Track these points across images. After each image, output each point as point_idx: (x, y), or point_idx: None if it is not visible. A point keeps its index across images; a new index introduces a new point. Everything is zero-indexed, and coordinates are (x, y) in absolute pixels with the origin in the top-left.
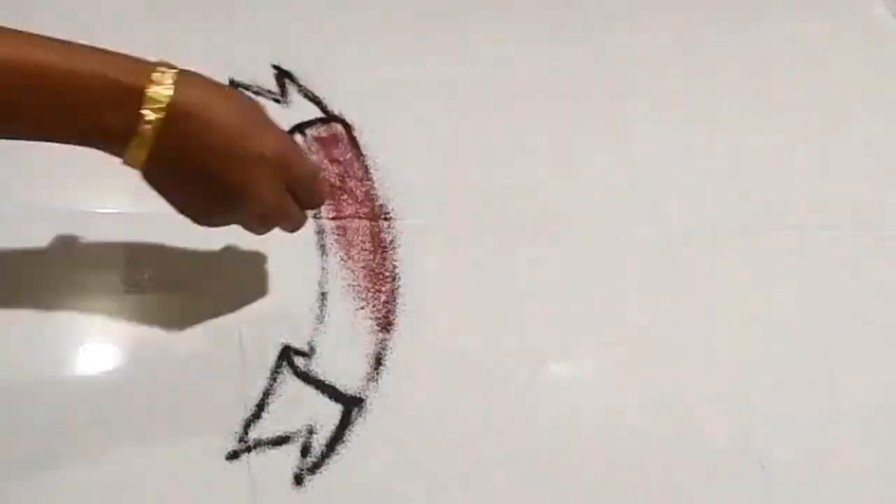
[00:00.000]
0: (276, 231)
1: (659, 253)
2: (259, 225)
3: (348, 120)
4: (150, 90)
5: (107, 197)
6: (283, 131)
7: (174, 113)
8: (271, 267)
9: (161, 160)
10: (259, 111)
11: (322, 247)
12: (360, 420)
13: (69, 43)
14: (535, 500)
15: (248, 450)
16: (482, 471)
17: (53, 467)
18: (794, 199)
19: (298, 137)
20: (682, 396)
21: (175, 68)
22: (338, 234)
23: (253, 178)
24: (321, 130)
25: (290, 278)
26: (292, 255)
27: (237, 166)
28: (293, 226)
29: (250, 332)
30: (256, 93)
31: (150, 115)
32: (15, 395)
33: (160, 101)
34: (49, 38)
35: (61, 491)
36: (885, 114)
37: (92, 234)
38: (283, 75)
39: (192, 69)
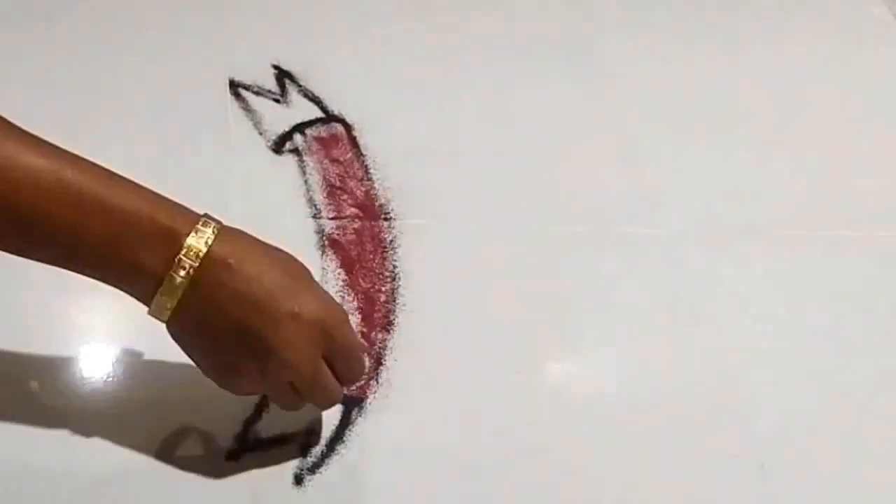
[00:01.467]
0: (276, 231)
1: (659, 253)
2: (290, 395)
3: (348, 120)
4: (189, 239)
5: None
6: (330, 298)
7: (209, 262)
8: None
9: (189, 311)
10: (305, 273)
11: (322, 247)
12: (360, 420)
13: (115, 175)
14: (535, 500)
15: (248, 450)
16: (482, 471)
17: (53, 467)
18: (793, 199)
19: (298, 137)
20: (682, 396)
21: (219, 222)
22: (338, 234)
23: (286, 339)
24: (321, 130)
25: None
26: None
27: (270, 324)
28: (327, 401)
29: None
30: (256, 93)
31: (185, 261)
32: (14, 394)
33: (197, 250)
34: (96, 165)
35: (61, 491)
36: (886, 114)
37: None
38: (283, 75)
39: (192, 69)
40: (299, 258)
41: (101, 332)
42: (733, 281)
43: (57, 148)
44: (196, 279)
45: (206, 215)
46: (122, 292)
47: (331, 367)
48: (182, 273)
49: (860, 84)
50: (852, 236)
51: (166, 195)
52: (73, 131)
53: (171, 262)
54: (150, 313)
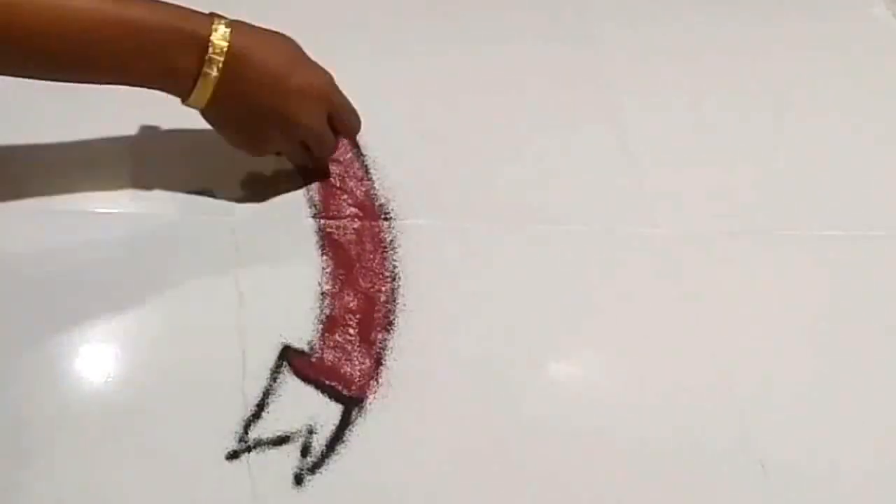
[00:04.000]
0: (276, 231)
1: (660, 253)
2: (302, 151)
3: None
4: (213, 37)
5: (107, 197)
6: (323, 69)
7: (231, 55)
8: (271, 267)
9: (221, 99)
10: (299, 49)
11: (322, 247)
12: (360, 420)
13: None
14: (535, 500)
15: (248, 450)
16: (482, 471)
17: (53, 467)
18: (793, 199)
19: None
20: (682, 396)
21: (226, 18)
22: (337, 234)
23: (298, 107)
24: None
25: (290, 278)
26: (292, 255)
27: (286, 99)
28: (329, 150)
29: (250, 332)
30: None
31: (215, 58)
32: (14, 394)
33: (221, 46)
34: None
35: (61, 491)
36: (886, 114)
37: (92, 234)
38: None
39: None
40: (299, 258)
41: (101, 332)
42: (733, 280)
43: None
44: (223, 73)
45: (214, 14)
46: (121, 291)
47: (331, 123)
48: (214, 68)
49: (860, 84)
50: (853, 236)
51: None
52: (72, 131)
53: (203, 60)
54: (187, 104)
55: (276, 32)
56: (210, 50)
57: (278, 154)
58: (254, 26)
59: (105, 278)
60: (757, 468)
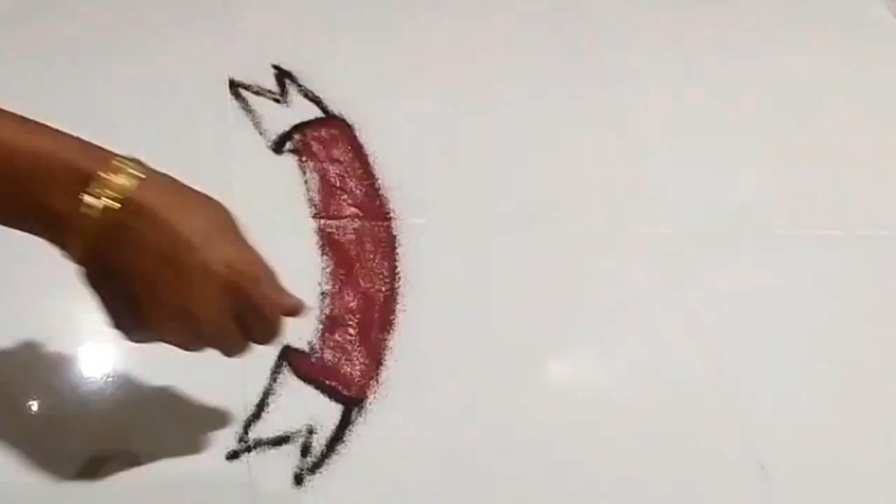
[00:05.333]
0: (277, 231)
1: (661, 252)
2: (191, 342)
3: (348, 120)
4: (105, 176)
5: None
6: (252, 251)
7: (126, 206)
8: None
9: (99, 255)
10: (229, 223)
11: (322, 247)
12: (360, 420)
13: (26, 119)
14: (535, 500)
15: (248, 450)
16: (482, 471)
17: (53, 467)
18: (794, 199)
19: (298, 137)
20: (682, 396)
21: (147, 167)
22: (338, 234)
23: (193, 291)
24: (321, 130)
25: (290, 278)
26: (292, 255)
27: (180, 275)
28: (229, 353)
29: None
30: (257, 93)
31: (92, 200)
32: (14, 395)
33: (113, 190)
34: (9, 113)
35: (61, 491)
36: (886, 114)
37: None
38: (283, 75)
39: (193, 70)
40: (299, 258)
41: (101, 332)
42: (733, 280)
43: None
44: (107, 222)
45: (124, 157)
46: None
47: (242, 320)
48: (87, 214)
49: (859, 84)
50: (853, 236)
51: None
52: (72, 131)
53: (80, 204)
54: (63, 255)
55: (208, 197)
56: (91, 189)
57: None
58: (178, 183)
59: None
60: (757, 468)
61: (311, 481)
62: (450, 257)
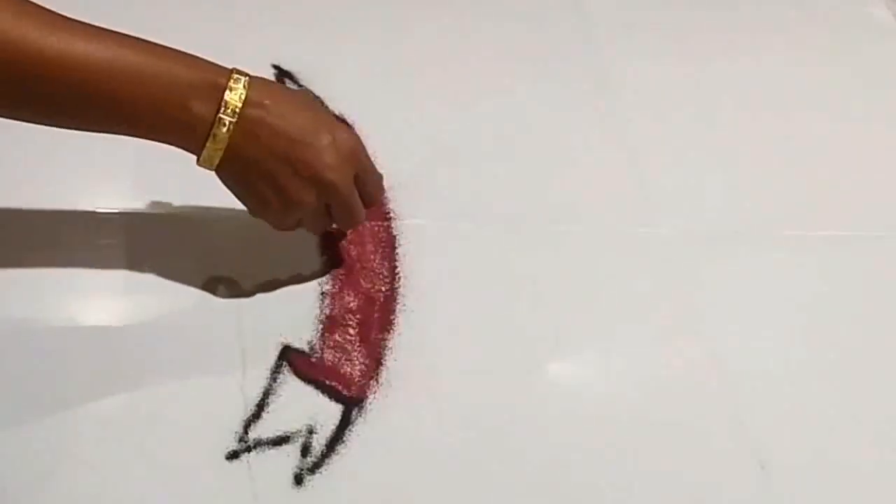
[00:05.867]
0: (276, 232)
1: (659, 253)
2: (325, 218)
3: (348, 120)
4: (234, 85)
5: (107, 197)
6: (350, 129)
7: (248, 106)
8: (272, 267)
9: (236, 153)
10: (326, 110)
11: (322, 247)
12: (360, 420)
13: (155, 44)
14: (535, 500)
15: (248, 450)
16: (482, 470)
17: (53, 467)
18: (794, 199)
19: None
20: (682, 396)
21: (245, 75)
22: (338, 234)
23: (329, 163)
24: None
25: (291, 278)
26: (292, 255)
27: (314, 153)
28: (355, 221)
29: (250, 332)
30: None
31: (231, 104)
32: (14, 395)
33: (234, 107)
34: (136, 39)
35: (61, 491)
36: (886, 114)
37: (92, 234)
38: (282, 75)
39: None
40: (300, 258)
41: (101, 333)
42: (733, 281)
43: (101, 30)
44: (236, 132)
45: (234, 69)
46: (120, 292)
47: (358, 185)
48: (227, 118)
49: (859, 84)
50: (853, 236)
51: None
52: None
53: (217, 109)
54: (200, 163)
55: (299, 91)
56: (222, 109)
57: (299, 225)
58: (274, 83)
59: (104, 278)
60: (756, 468)
61: (311, 481)
62: (450, 257)
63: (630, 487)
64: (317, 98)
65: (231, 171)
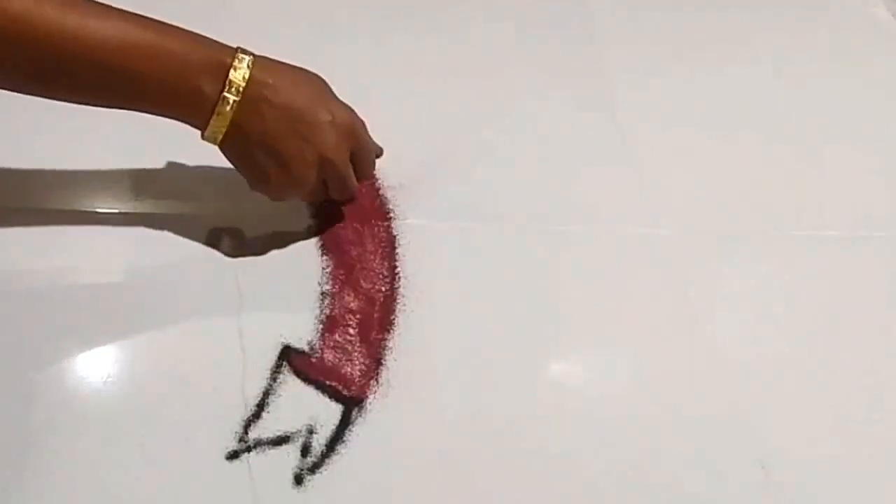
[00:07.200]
0: (277, 231)
1: (661, 252)
2: (322, 191)
3: None
4: (238, 64)
5: (107, 197)
6: (349, 107)
7: (248, 97)
8: (272, 267)
9: (240, 128)
10: (327, 87)
11: (322, 247)
12: (360, 420)
13: (162, 23)
14: (535, 500)
15: (248, 450)
16: (482, 471)
17: (52, 468)
18: (794, 200)
19: None
20: (682, 396)
21: (250, 54)
22: (338, 234)
23: (328, 140)
24: None
25: (291, 278)
26: (292, 256)
27: (313, 129)
28: (349, 192)
29: (250, 332)
30: None
31: (236, 82)
32: (13, 395)
33: (238, 86)
34: (144, 18)
35: (61, 491)
36: (886, 114)
37: (92, 234)
38: None
39: None
40: (300, 258)
41: (101, 333)
42: (733, 281)
43: (113, 9)
44: (240, 109)
45: (239, 48)
46: (121, 292)
47: (353, 161)
48: (231, 96)
49: (859, 84)
50: (853, 236)
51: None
52: (72, 132)
53: (222, 87)
54: (204, 138)
55: (302, 69)
56: (226, 87)
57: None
58: (278, 62)
59: (104, 278)
60: (757, 468)
61: (311, 481)
62: (450, 257)
63: (630, 487)
64: (316, 76)
65: (233, 146)
